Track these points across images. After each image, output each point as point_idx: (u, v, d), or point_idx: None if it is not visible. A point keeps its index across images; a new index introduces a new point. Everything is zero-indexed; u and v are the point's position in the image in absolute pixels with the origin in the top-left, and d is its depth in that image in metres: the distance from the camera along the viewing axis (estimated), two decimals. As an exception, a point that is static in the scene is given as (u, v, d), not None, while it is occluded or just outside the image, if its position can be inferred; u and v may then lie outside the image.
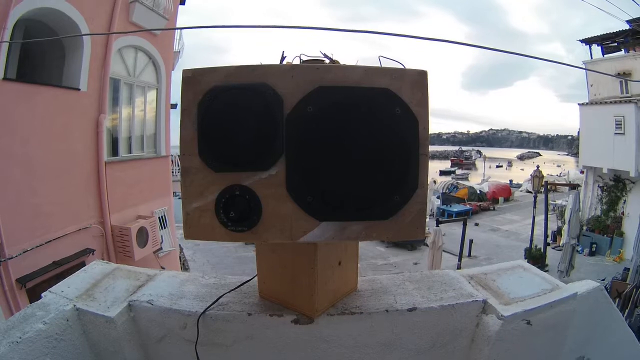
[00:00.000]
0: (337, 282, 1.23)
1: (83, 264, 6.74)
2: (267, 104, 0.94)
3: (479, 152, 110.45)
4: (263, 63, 1.00)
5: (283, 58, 1.09)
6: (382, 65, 1.02)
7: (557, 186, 25.49)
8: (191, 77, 0.98)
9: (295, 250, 1.14)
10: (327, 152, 0.94)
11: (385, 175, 0.96)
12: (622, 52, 17.96)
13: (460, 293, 1.30)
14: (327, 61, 1.09)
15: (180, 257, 12.22)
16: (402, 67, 1.02)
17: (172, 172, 11.56)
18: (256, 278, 1.30)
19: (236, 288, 1.31)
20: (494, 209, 28.27)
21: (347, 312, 1.20)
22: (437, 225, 13.80)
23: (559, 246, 15.56)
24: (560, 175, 38.69)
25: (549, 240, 16.99)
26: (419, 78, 0.98)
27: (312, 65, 1.00)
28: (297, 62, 1.11)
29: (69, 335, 1.14)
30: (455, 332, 1.24)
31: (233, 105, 0.95)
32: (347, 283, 1.30)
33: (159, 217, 9.72)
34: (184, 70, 0.99)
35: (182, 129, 0.98)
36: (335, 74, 0.96)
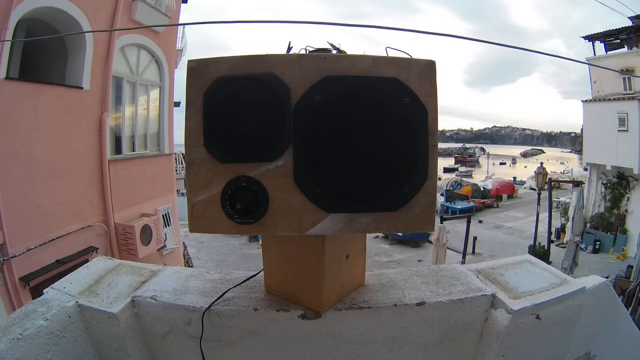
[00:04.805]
0: (345, 276, 1.21)
1: (86, 262, 6.73)
2: (274, 93, 0.92)
3: (482, 149, 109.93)
4: (269, 53, 0.98)
5: (290, 48, 1.07)
6: (390, 55, 1.00)
7: (561, 183, 25.39)
8: (196, 68, 0.96)
9: (303, 244, 1.11)
10: (336, 142, 0.92)
11: (394, 166, 0.94)
12: (625, 49, 17.84)
13: (469, 287, 1.27)
14: (334, 51, 1.07)
15: (184, 255, 12.23)
16: (410, 57, 1.00)
17: (176, 170, 11.58)
18: (262, 273, 1.28)
19: (242, 283, 1.29)
20: (497, 206, 28.25)
21: (355, 306, 1.18)
22: (441, 222, 13.78)
23: (563, 243, 15.52)
24: (563, 173, 38.54)
25: (552, 237, 16.92)
26: (428, 68, 0.97)
27: (319, 55, 0.98)
28: (303, 53, 1.09)
29: (70, 332, 1.12)
30: (464, 327, 1.22)
31: (239, 95, 0.93)
32: (355, 277, 1.28)
33: (163, 215, 9.74)
34: (189, 61, 0.97)
35: (187, 120, 0.96)
36: (342, 64, 0.94)
